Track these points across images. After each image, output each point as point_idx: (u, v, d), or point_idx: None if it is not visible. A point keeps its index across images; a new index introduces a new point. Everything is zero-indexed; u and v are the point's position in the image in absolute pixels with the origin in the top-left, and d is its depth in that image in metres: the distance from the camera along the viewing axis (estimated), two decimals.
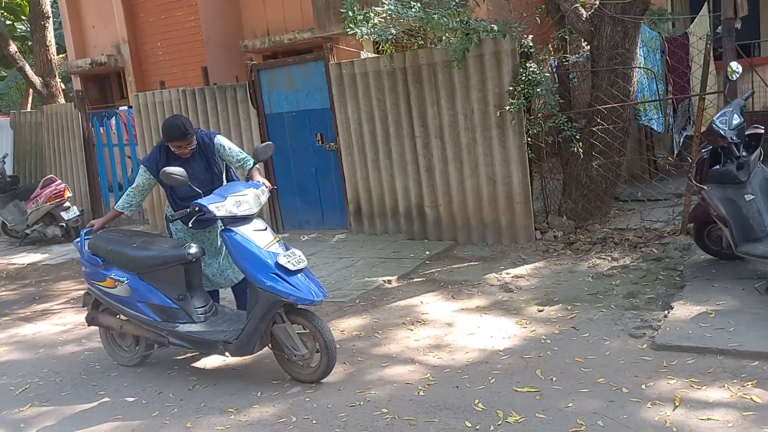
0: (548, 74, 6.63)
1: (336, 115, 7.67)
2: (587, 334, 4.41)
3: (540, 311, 4.97)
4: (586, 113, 6.61)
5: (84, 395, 4.44)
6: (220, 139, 4.62)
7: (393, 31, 6.63)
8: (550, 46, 6.73)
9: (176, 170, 4.08)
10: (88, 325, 4.95)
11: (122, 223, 9.62)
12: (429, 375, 4.08)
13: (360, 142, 7.57)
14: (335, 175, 7.96)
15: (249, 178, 4.46)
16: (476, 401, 3.68)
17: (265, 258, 3.97)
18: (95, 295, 4.71)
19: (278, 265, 3.96)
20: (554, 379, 3.84)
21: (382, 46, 7.43)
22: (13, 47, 11.84)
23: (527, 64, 6.29)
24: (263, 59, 13.32)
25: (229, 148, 4.63)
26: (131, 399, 4.29)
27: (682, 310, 4.46)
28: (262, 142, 8.17)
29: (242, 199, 4.11)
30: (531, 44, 6.41)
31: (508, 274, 5.93)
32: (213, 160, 4.56)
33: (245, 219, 4.12)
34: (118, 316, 4.70)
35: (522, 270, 5.99)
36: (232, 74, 12.15)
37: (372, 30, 6.64)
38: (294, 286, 3.94)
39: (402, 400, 3.81)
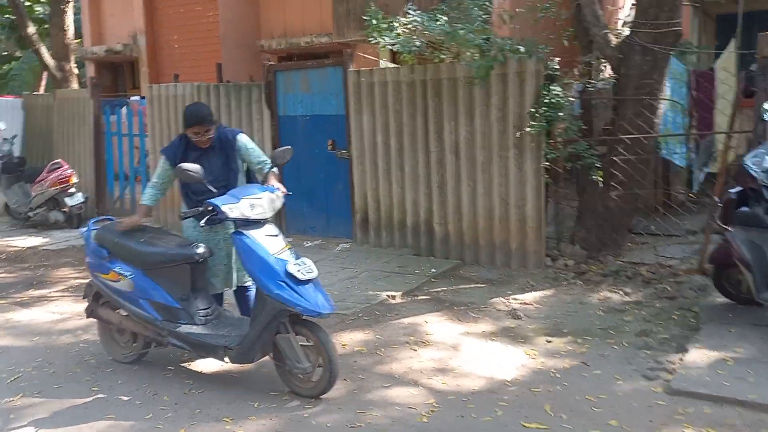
0: (572, 99, 6.52)
1: (351, 122, 7.57)
2: (599, 371, 4.27)
3: (549, 342, 4.83)
4: (607, 141, 6.50)
5: (77, 389, 4.32)
6: (243, 138, 4.53)
7: (417, 43, 6.53)
8: (575, 70, 6.63)
9: (192, 167, 3.97)
10: (87, 317, 4.82)
11: (124, 215, 9.50)
12: (433, 400, 3.95)
13: (372, 152, 7.46)
14: (344, 183, 7.84)
15: (264, 181, 4.35)
16: None
17: (274, 265, 3.86)
18: (97, 287, 4.59)
19: (287, 273, 3.84)
20: (564, 416, 3.71)
21: (401, 57, 7.33)
22: (31, 28, 11.77)
23: (551, 87, 6.19)
24: (278, 60, 13.26)
25: (252, 149, 4.54)
26: (125, 398, 4.16)
27: (699, 355, 4.33)
28: (274, 143, 8.10)
29: (256, 202, 4.00)
30: (557, 66, 6.31)
31: (515, 299, 5.80)
32: (233, 156, 4.46)
33: (258, 223, 4.01)
34: (118, 311, 4.58)
35: (530, 296, 5.86)
36: (246, 73, 12.07)
37: (396, 40, 6.54)
38: (302, 296, 3.82)
39: (405, 425, 3.67)
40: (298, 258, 3.98)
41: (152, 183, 4.56)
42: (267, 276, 3.85)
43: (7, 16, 16.47)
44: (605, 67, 7.35)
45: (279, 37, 13.91)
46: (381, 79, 7.29)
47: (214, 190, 4.07)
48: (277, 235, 4.05)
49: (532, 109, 6.26)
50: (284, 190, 4.29)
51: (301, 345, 3.97)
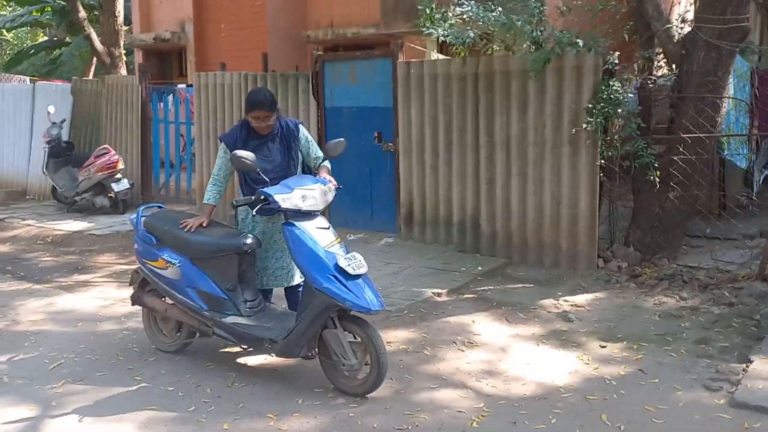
0: (631, 95, 6.26)
1: (398, 115, 7.42)
2: (657, 380, 4.06)
3: (603, 347, 4.63)
4: (666, 140, 6.23)
5: (119, 378, 4.29)
6: (304, 130, 4.50)
7: (471, 34, 6.34)
8: (635, 65, 6.36)
9: (247, 154, 3.89)
10: (132, 305, 4.80)
11: (169, 202, 9.55)
12: (483, 405, 3.80)
13: (420, 146, 7.31)
14: (389, 177, 7.71)
15: (316, 174, 4.27)
16: None
17: (324, 258, 3.76)
18: (144, 275, 4.56)
19: (337, 267, 3.74)
20: (622, 427, 3.52)
21: (451, 49, 7.15)
22: (82, 13, 11.90)
23: (610, 82, 5.95)
24: (324, 51, 13.18)
25: (311, 142, 4.53)
26: (167, 389, 4.12)
27: (763, 366, 4.08)
28: (320, 135, 8.00)
29: (309, 194, 3.91)
30: (616, 61, 6.06)
31: (566, 301, 5.60)
32: (294, 147, 4.39)
33: (309, 214, 3.91)
34: (164, 299, 4.54)
35: (581, 299, 5.65)
36: (291, 63, 12.01)
37: (449, 31, 6.37)
38: (351, 291, 3.71)
39: (454, 429, 3.53)
40: (348, 252, 3.87)
41: (213, 179, 4.44)
42: (316, 269, 3.75)
43: (57, 1, 16.73)
44: (664, 63, 7.07)
45: (325, 28, 13.84)
46: (431, 71, 7.12)
47: (267, 180, 3.98)
48: (327, 228, 3.95)
49: (589, 105, 6.03)
50: (335, 183, 4.20)
51: (348, 341, 3.86)
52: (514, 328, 5.05)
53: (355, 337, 3.89)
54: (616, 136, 6.15)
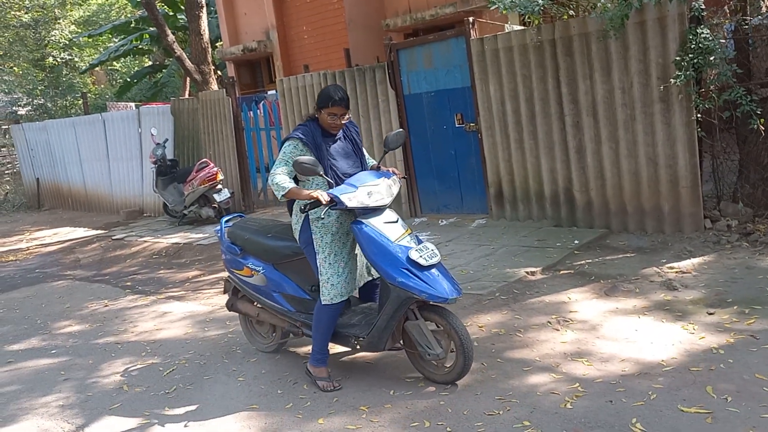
0: (723, 40, 5.78)
1: (477, 93, 7.27)
2: None
3: (710, 314, 4.33)
4: None
5: (224, 380, 4.49)
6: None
7: (540, 1, 6.08)
8: (726, 7, 5.86)
9: (308, 159, 3.88)
10: (228, 311, 5.02)
11: (268, 207, 9.87)
12: (577, 385, 3.66)
13: (502, 122, 7.13)
14: (475, 157, 7.58)
15: (378, 169, 4.21)
16: (634, 420, 3.22)
17: (396, 252, 3.73)
18: (234, 283, 4.75)
19: (410, 260, 3.70)
20: (729, 399, 3.28)
21: (528, 18, 6.90)
22: (171, 37, 12.50)
23: (698, 30, 5.52)
24: (404, 37, 13.12)
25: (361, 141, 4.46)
26: (267, 387, 4.27)
27: None
28: (401, 123, 7.99)
29: (374, 189, 3.87)
30: (702, 7, 5.61)
31: (671, 268, 5.28)
32: (360, 144, 4.28)
33: (376, 210, 3.88)
34: (255, 304, 4.71)
35: (688, 264, 5.31)
36: (374, 55, 12.06)
37: (516, 2, 6.14)
38: (426, 283, 3.66)
39: (546, 412, 3.43)
40: (419, 243, 3.83)
41: (280, 170, 3.99)
42: (389, 264, 3.73)
43: (152, 28, 17.70)
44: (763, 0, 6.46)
45: (403, 14, 13.75)
46: (506, 44, 6.92)
47: (332, 181, 3.96)
48: (396, 221, 3.89)
49: (678, 57, 5.64)
50: (400, 173, 4.15)
51: (431, 330, 3.84)
52: (614, 302, 4.82)
53: (438, 326, 3.86)
54: (711, 87, 5.70)
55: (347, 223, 4.04)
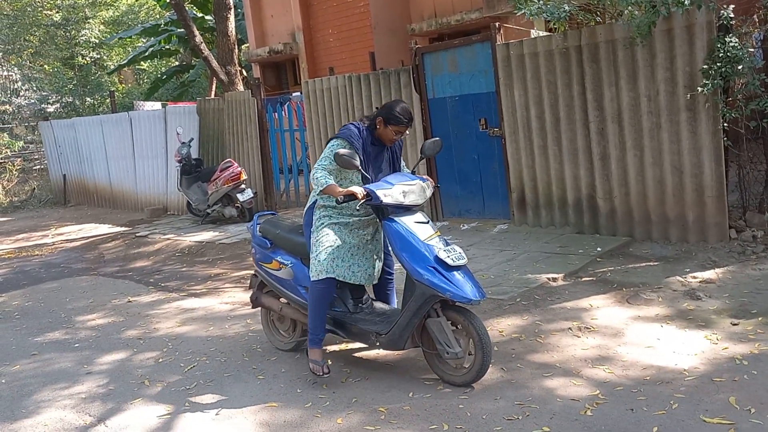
0: (751, 49, 5.72)
1: (501, 98, 7.27)
2: None
3: (734, 325, 4.29)
4: None
5: (244, 378, 4.54)
6: None
7: (566, 8, 6.07)
8: (755, 16, 5.80)
9: (348, 152, 3.92)
10: (252, 307, 5.08)
11: (291, 207, 9.94)
12: (598, 392, 3.64)
13: (526, 128, 7.11)
14: (498, 162, 7.57)
15: (414, 172, 4.32)
16: (655, 429, 3.20)
17: (424, 250, 3.81)
18: (261, 277, 4.86)
19: (437, 259, 3.78)
20: (752, 410, 3.25)
21: (554, 24, 6.88)
22: (198, 38, 12.65)
23: (726, 39, 5.47)
24: (429, 42, 13.15)
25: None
26: (287, 386, 4.30)
27: None
28: (424, 127, 8.02)
29: (408, 189, 3.98)
30: (731, 15, 5.56)
31: (694, 278, 5.23)
32: (400, 155, 4.40)
33: (408, 210, 3.99)
34: (279, 299, 4.80)
35: (712, 274, 5.26)
36: (398, 59, 12.10)
37: (542, 8, 6.13)
38: (452, 282, 3.72)
39: (566, 419, 3.42)
40: (447, 245, 3.89)
41: (323, 166, 4.08)
42: (417, 261, 3.80)
43: (180, 29, 17.92)
44: None
45: (429, 19, 13.80)
46: (531, 49, 6.91)
47: (369, 176, 4.06)
48: (426, 222, 4.00)
49: (705, 66, 5.59)
50: (434, 181, 4.23)
51: (452, 330, 3.86)
52: (636, 309, 4.79)
53: (457, 327, 3.88)
54: (738, 96, 5.65)
55: (364, 220, 4.17)
